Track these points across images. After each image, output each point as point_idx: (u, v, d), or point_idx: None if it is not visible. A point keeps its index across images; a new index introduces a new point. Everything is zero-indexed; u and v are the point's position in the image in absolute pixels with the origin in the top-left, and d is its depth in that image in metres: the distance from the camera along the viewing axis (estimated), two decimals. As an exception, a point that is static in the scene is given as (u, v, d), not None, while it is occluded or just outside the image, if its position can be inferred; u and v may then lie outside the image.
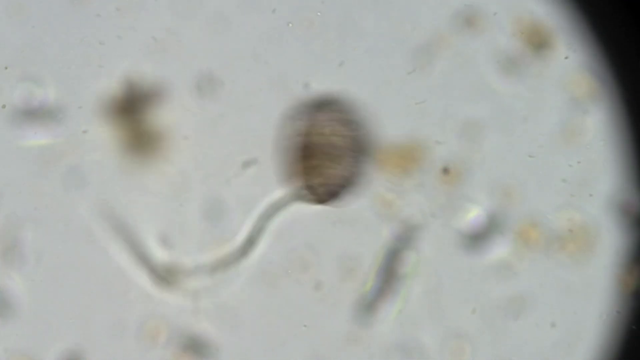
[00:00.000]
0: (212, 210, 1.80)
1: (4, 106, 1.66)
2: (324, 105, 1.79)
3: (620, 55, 1.79)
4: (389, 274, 1.81)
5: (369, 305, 1.82)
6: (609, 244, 1.82)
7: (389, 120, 1.81)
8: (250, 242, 1.78)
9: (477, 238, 1.82)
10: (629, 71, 1.78)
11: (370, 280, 1.81)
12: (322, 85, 1.81)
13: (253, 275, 1.82)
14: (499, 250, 1.82)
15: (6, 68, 1.80)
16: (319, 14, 1.73)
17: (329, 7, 1.82)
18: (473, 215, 1.81)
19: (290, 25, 1.80)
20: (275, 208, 1.78)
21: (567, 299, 1.82)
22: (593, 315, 1.81)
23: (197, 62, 1.81)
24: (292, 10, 1.81)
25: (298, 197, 1.76)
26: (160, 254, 1.79)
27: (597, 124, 1.81)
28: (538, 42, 1.81)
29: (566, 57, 1.74)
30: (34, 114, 1.80)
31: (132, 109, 1.73)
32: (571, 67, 1.81)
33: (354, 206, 1.81)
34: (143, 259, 1.73)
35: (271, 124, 1.81)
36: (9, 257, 1.80)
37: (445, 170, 1.80)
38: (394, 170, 1.80)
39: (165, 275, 1.75)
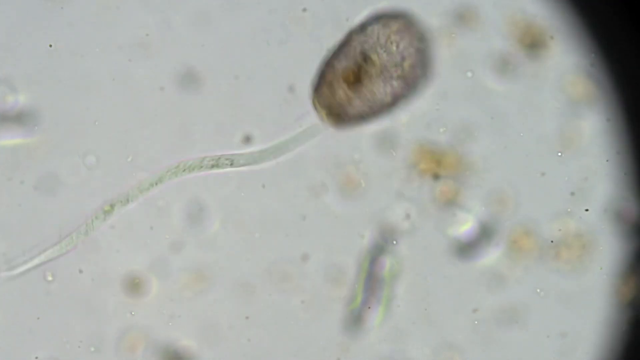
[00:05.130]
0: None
1: None
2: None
3: (617, 56, 1.75)
4: (375, 282, 1.77)
5: (357, 315, 1.78)
6: (605, 252, 1.77)
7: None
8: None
9: (470, 246, 1.77)
10: (627, 73, 1.74)
11: (358, 290, 1.77)
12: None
13: (234, 286, 1.77)
14: (492, 258, 1.78)
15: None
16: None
17: (321, 4, 1.77)
18: (467, 227, 1.77)
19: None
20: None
21: (562, 309, 1.78)
22: (589, 326, 1.77)
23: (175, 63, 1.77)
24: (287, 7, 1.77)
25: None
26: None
27: (593, 128, 1.76)
28: (532, 42, 1.76)
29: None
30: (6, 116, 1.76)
31: None
32: (567, 68, 1.77)
33: (337, 210, 1.77)
34: None
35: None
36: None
37: (436, 176, 1.76)
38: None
39: None
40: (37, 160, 1.77)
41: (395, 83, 1.70)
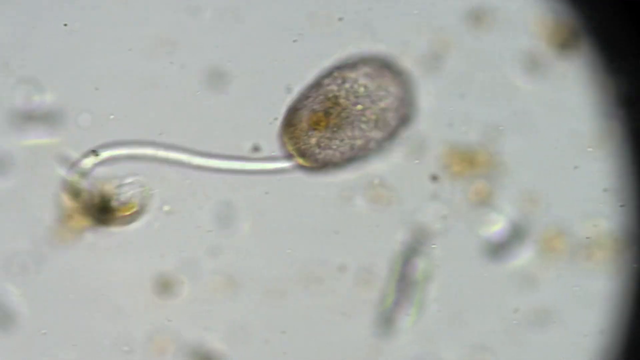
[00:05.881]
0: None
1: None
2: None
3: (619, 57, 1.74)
4: (407, 284, 1.76)
5: (388, 317, 1.77)
6: (636, 252, 1.76)
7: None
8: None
9: (501, 247, 1.76)
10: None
11: (390, 292, 1.76)
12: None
13: (264, 289, 1.76)
14: (524, 259, 1.77)
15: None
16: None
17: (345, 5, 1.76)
18: (498, 227, 1.76)
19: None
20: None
21: (593, 310, 1.77)
22: (619, 326, 1.76)
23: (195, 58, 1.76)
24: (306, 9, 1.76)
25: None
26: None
27: (624, 128, 1.76)
28: (561, 41, 1.76)
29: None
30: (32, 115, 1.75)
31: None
32: (596, 67, 1.76)
33: (368, 212, 1.76)
34: None
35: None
36: (9, 269, 1.74)
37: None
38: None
39: None
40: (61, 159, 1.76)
41: (364, 126, 1.70)
